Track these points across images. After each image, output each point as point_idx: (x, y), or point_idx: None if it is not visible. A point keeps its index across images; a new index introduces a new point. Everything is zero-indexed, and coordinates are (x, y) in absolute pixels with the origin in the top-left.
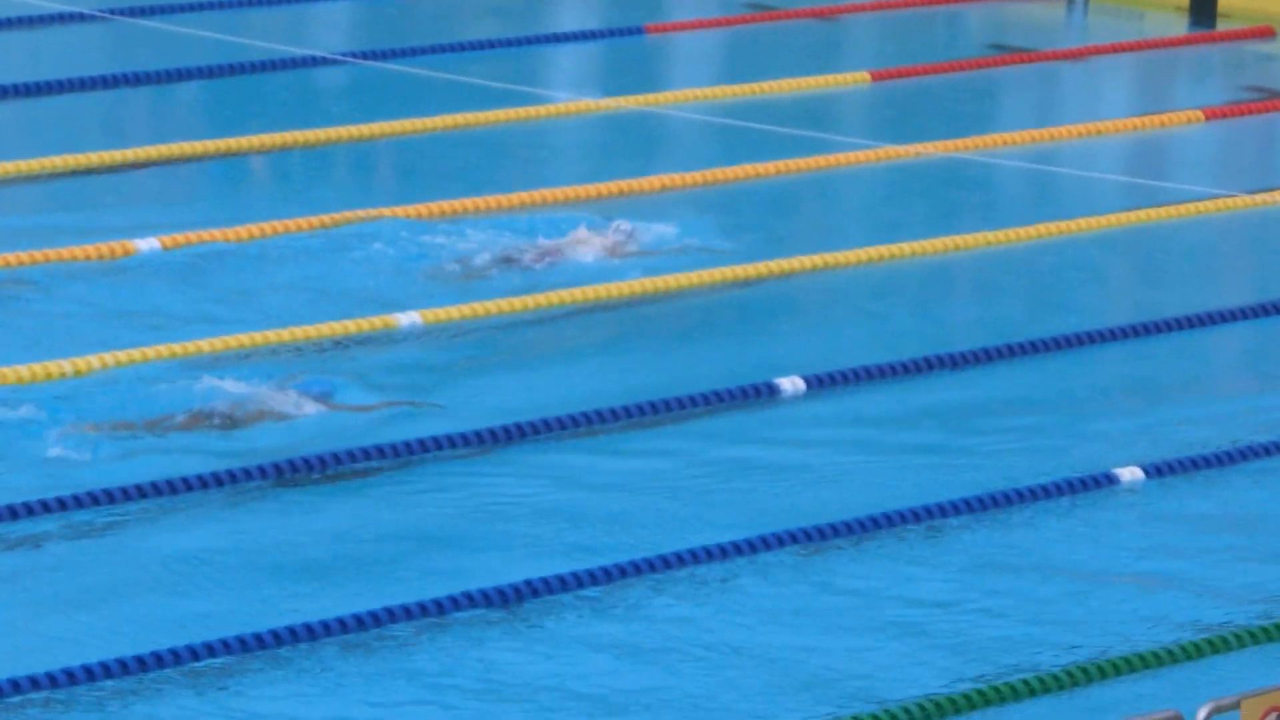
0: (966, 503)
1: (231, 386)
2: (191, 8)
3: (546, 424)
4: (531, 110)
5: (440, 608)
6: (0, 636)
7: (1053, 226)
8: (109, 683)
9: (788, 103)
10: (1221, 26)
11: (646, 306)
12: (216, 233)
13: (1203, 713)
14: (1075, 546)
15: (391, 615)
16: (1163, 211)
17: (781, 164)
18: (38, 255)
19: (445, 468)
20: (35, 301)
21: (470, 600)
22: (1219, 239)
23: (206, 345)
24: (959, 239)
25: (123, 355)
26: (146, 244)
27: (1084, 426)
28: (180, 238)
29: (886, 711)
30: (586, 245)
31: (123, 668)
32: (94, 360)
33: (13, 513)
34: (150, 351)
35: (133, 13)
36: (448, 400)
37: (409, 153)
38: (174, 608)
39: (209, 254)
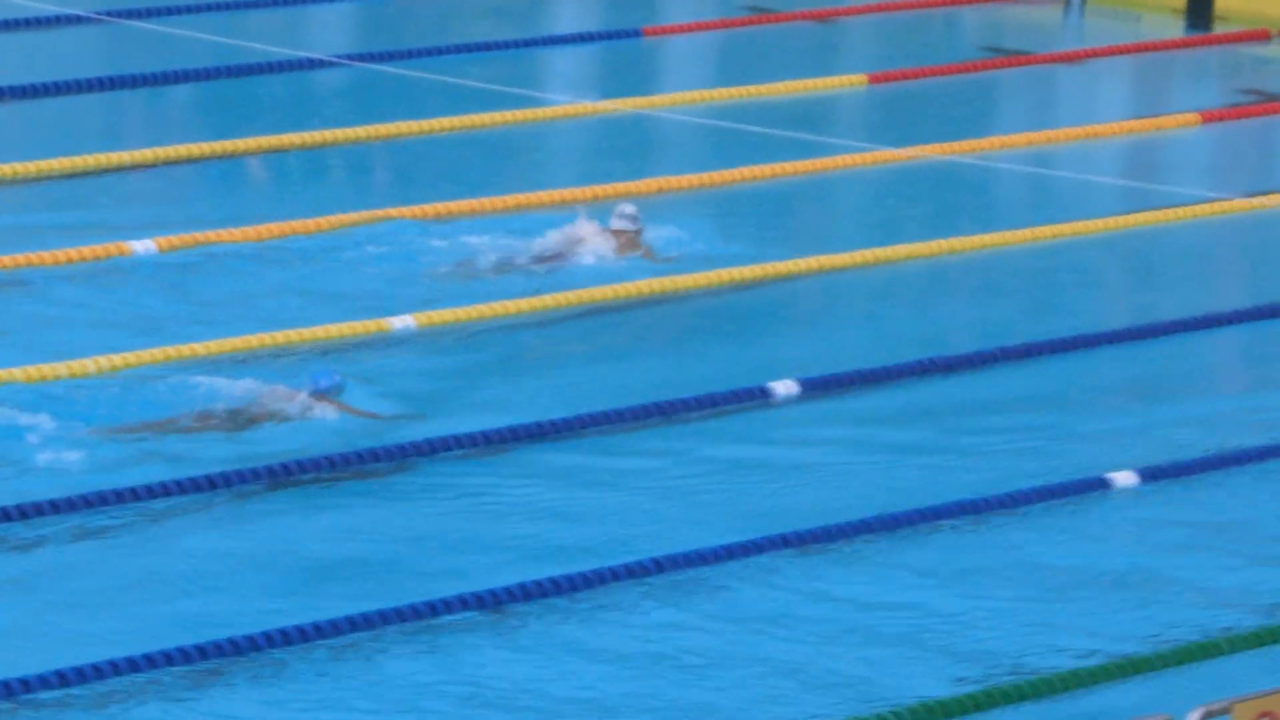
0: (961, 506)
1: (227, 389)
2: (188, 10)
3: (540, 427)
4: (529, 112)
5: (434, 610)
6: (2, 638)
7: (1049, 229)
8: (99, 684)
9: (784, 105)
10: (1218, 29)
11: (642, 309)
12: (212, 234)
13: (1195, 716)
14: (1069, 550)
15: (384, 619)
16: (1159, 214)
17: (778, 166)
18: (34, 257)
19: (438, 470)
20: (31, 303)
21: (463, 604)
22: (1215, 242)
23: (202, 348)
24: (955, 241)
25: (118, 358)
26: (142, 245)
27: (1079, 430)
28: (176, 240)
29: (878, 716)
30: (585, 243)
31: (114, 669)
32: (89, 363)
33: (6, 515)
34: (145, 355)
35: (129, 15)
36: (440, 403)
37: (406, 155)
38: (170, 610)
39: (205, 256)
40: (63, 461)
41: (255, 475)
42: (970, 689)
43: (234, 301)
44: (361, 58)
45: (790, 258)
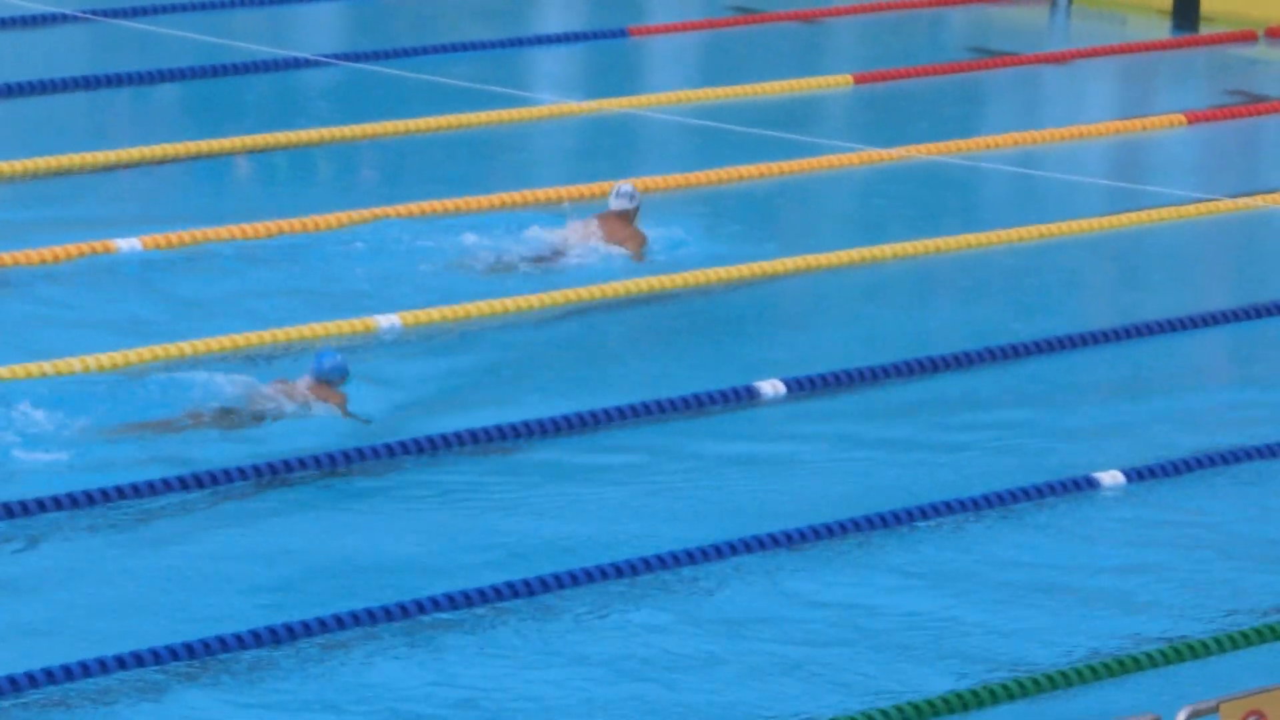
0: (948, 505)
1: (213, 388)
2: (174, 9)
3: (529, 427)
4: (515, 112)
5: (421, 609)
6: None
7: (1035, 229)
8: (87, 683)
9: (770, 105)
10: (1204, 30)
11: (628, 309)
12: (198, 233)
13: (1182, 716)
14: (1055, 550)
15: (371, 618)
16: (1145, 215)
17: (764, 166)
18: (19, 256)
19: (425, 470)
20: (14, 301)
21: (452, 603)
22: (1201, 242)
23: (189, 347)
24: (941, 241)
25: (104, 358)
26: (127, 244)
27: (1065, 430)
28: (161, 238)
29: (864, 714)
30: (573, 244)
31: (101, 667)
32: (75, 362)
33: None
34: (132, 354)
35: (115, 14)
36: (425, 403)
37: (392, 154)
38: (155, 610)
39: (190, 254)
40: (48, 461)
41: (242, 474)
42: (956, 689)
43: (219, 300)
44: (347, 57)
45: (776, 257)
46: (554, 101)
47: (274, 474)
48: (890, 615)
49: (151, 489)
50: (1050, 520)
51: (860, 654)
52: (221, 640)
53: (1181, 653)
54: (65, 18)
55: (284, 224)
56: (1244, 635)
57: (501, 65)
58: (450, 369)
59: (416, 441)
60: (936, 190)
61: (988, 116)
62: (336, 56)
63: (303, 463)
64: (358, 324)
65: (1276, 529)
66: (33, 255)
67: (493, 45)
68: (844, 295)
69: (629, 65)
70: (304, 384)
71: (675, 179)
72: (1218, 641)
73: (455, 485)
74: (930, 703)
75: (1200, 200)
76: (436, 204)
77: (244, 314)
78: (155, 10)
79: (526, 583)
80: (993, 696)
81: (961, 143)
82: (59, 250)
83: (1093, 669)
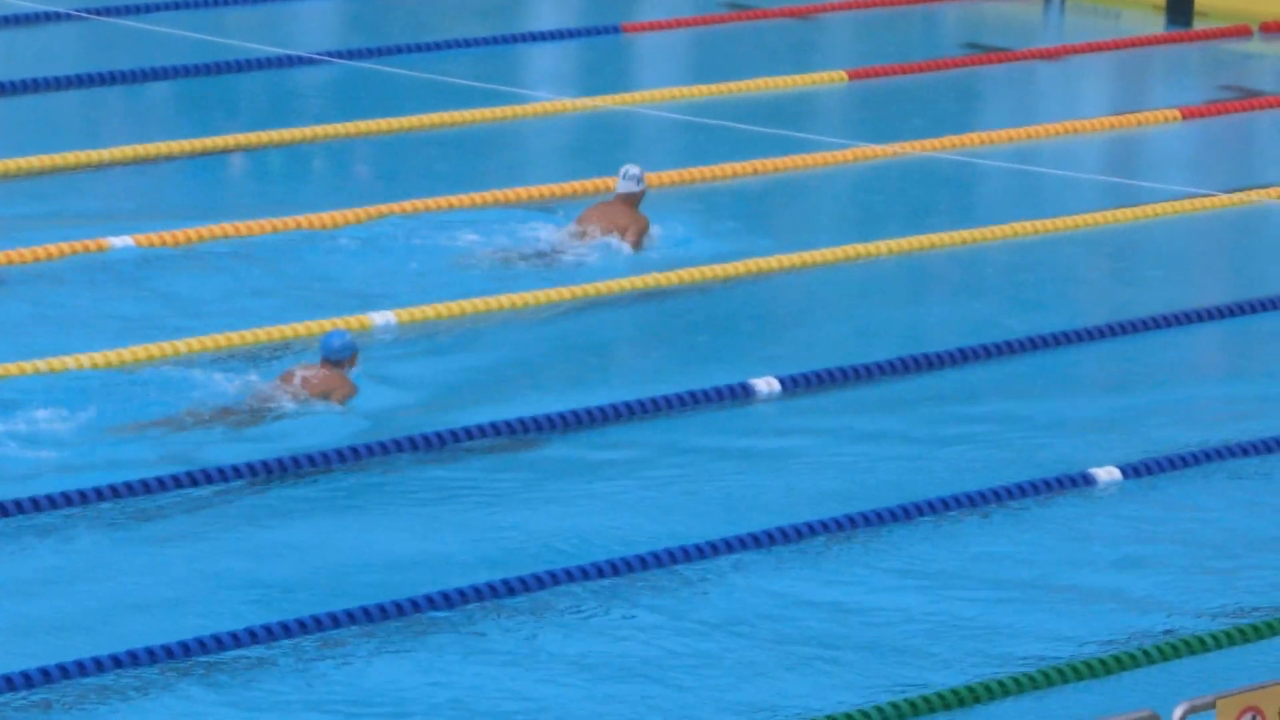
0: (943, 501)
1: (208, 385)
2: (168, 7)
3: (523, 424)
4: (509, 109)
5: (400, 609)
6: None
7: (1029, 225)
8: (71, 684)
9: (764, 102)
10: (1199, 25)
11: (621, 306)
12: (192, 231)
13: (1178, 712)
14: (1052, 546)
15: (368, 615)
16: (1140, 210)
17: (758, 163)
18: (13, 254)
19: (416, 468)
20: (8, 299)
21: (447, 601)
22: (1196, 238)
23: (183, 345)
24: (936, 237)
25: (98, 356)
26: (121, 242)
27: (1061, 426)
28: (155, 236)
29: (861, 712)
30: (566, 243)
31: (80, 669)
32: (69, 360)
33: None
34: (126, 352)
35: (109, 12)
36: (419, 400)
37: (386, 151)
38: (141, 610)
39: (184, 253)
40: (42, 459)
41: (236, 473)
42: (953, 684)
43: (213, 298)
44: (341, 54)
45: (771, 254)
46: (548, 98)
47: (268, 472)
48: (886, 612)
49: (144, 488)
50: (1046, 516)
51: (857, 650)
52: (217, 639)
53: (1178, 649)
54: (59, 16)
55: (278, 222)
56: (1241, 631)
57: (495, 62)
58: (445, 366)
59: (411, 439)
60: (931, 186)
61: (982, 112)
62: (330, 54)
63: (296, 461)
64: (353, 321)
65: (1274, 525)
66: (26, 253)
67: (486, 42)
68: (839, 292)
69: (622, 62)
70: (308, 374)
71: (669, 176)
72: (1214, 638)
73: (451, 483)
74: (926, 699)
75: (1195, 195)
76: (431, 201)
77: (238, 312)
78: (149, 8)
79: (522, 580)
80: (989, 693)
81: (956, 139)
82: (53, 248)
83: (1089, 665)
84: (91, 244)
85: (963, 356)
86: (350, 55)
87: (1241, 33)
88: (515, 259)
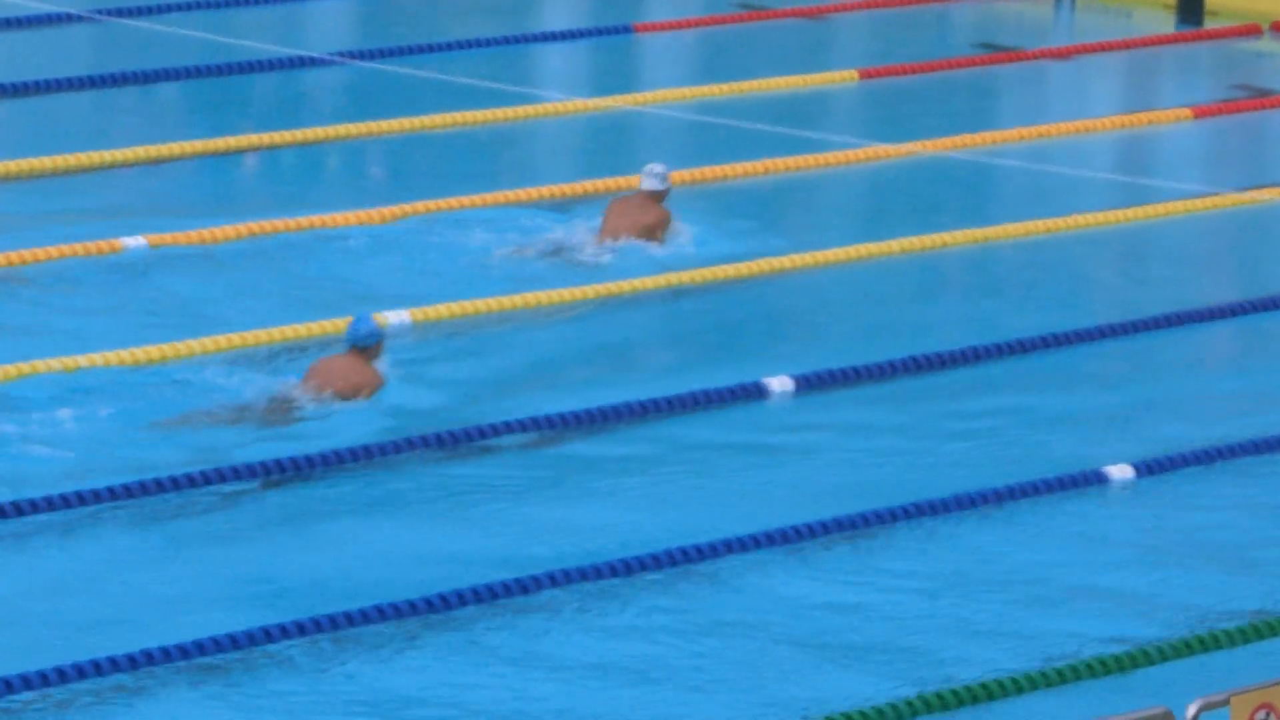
0: (957, 500)
1: (221, 386)
2: (180, 8)
3: (535, 423)
4: (520, 109)
5: (431, 606)
6: None
7: (1041, 224)
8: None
9: (776, 101)
10: (1209, 24)
11: (634, 305)
12: (205, 232)
13: (1192, 709)
14: (1065, 543)
15: (381, 614)
16: (1151, 209)
17: (770, 163)
18: (25, 254)
19: (426, 467)
20: (21, 300)
21: (430, 606)
22: (1208, 237)
23: (197, 345)
24: (947, 236)
25: (111, 355)
26: (134, 242)
27: (1075, 424)
28: (168, 237)
29: (875, 710)
30: (579, 242)
31: (78, 672)
32: (81, 359)
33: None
34: (140, 352)
35: (121, 13)
36: (430, 399)
37: (398, 152)
38: (128, 614)
39: (196, 253)
40: (56, 459)
41: (236, 474)
42: (967, 682)
43: (225, 299)
44: (352, 55)
45: (783, 254)
46: (560, 98)
47: (268, 473)
48: (900, 609)
49: (158, 486)
50: (1059, 513)
51: (873, 647)
52: (215, 641)
53: (1192, 646)
54: (71, 17)
55: (291, 222)
56: (1255, 628)
57: (507, 62)
58: (459, 366)
59: (424, 438)
60: (942, 185)
61: (993, 112)
62: (342, 54)
63: (310, 461)
64: None
65: None
66: (39, 253)
67: (498, 42)
68: (851, 291)
69: (634, 62)
70: (333, 367)
71: (681, 175)
72: (1228, 635)
73: (462, 481)
74: (940, 695)
75: (1206, 194)
76: (444, 201)
77: (252, 312)
78: (161, 9)
79: (535, 579)
80: (1002, 690)
81: (967, 138)
82: (66, 249)
83: (1103, 662)
84: (105, 245)
85: (975, 355)
86: (362, 56)
87: (1252, 32)
88: (532, 258)
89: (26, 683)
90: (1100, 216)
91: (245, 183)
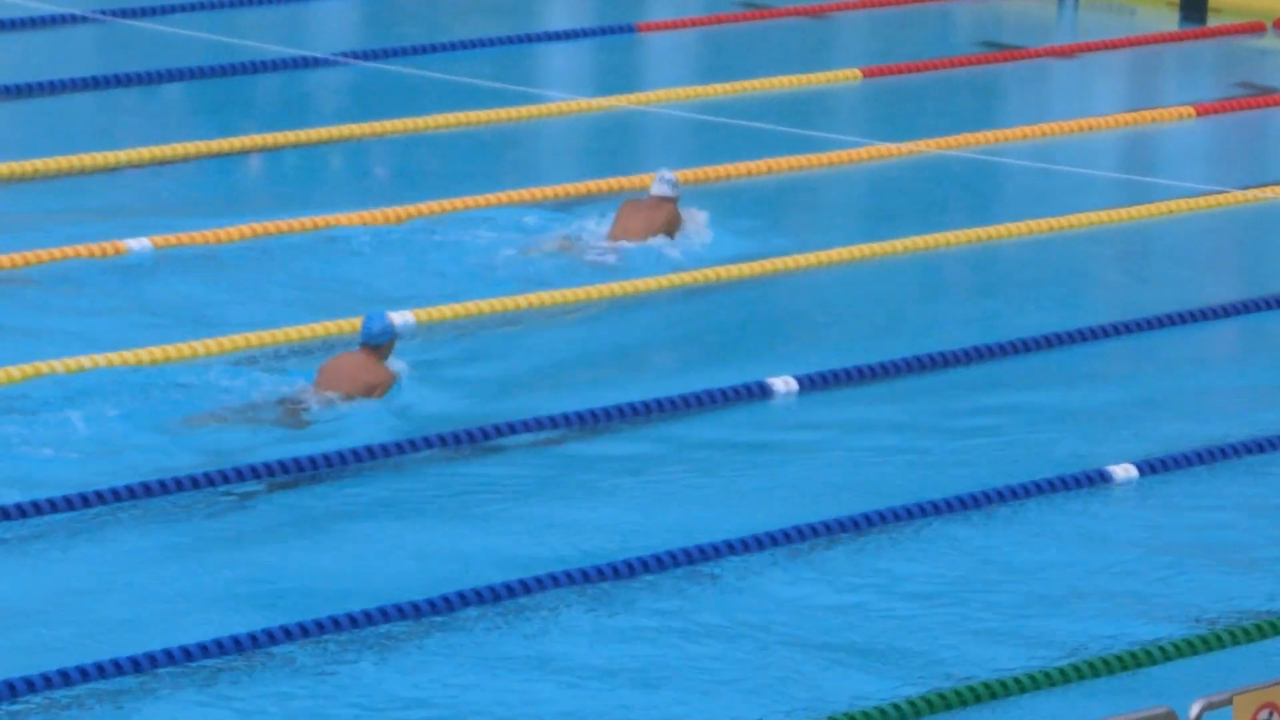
0: (960, 500)
1: (227, 389)
2: (184, 8)
3: (539, 423)
4: (524, 109)
5: (435, 608)
6: None
7: (1045, 223)
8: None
9: (779, 100)
10: (1212, 22)
11: (637, 306)
12: (209, 233)
13: (1196, 709)
14: (1068, 542)
15: (386, 615)
16: (1154, 208)
17: (773, 162)
18: (29, 256)
19: (429, 468)
20: (26, 301)
21: (434, 608)
22: (1211, 235)
23: (201, 347)
24: (951, 235)
25: (115, 356)
26: (138, 244)
27: (1078, 423)
28: (172, 238)
29: (879, 709)
30: (583, 243)
31: (82, 675)
32: (84, 360)
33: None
34: (144, 353)
35: (125, 14)
36: (434, 399)
37: (401, 152)
38: (124, 618)
39: (201, 254)
40: (60, 460)
41: (239, 475)
42: (969, 682)
43: (230, 300)
44: (356, 55)
45: (786, 253)
46: (564, 98)
47: (272, 475)
48: (905, 608)
49: (163, 488)
50: (1063, 512)
51: (879, 648)
52: (220, 643)
53: (1195, 645)
54: (75, 18)
55: (295, 223)
56: (1259, 628)
57: (511, 62)
58: (462, 367)
59: (427, 439)
60: (946, 184)
61: (997, 110)
62: (347, 55)
63: (314, 461)
64: None
65: None
66: (44, 255)
67: (502, 42)
68: (854, 290)
69: (638, 61)
70: (344, 366)
71: (684, 175)
72: (1231, 634)
73: (466, 482)
74: (943, 695)
75: (1210, 192)
76: (448, 202)
77: (256, 313)
78: (165, 10)
79: (539, 579)
80: (1005, 689)
81: (970, 136)
82: (69, 250)
83: (1106, 661)
84: (109, 246)
85: (979, 354)
86: (367, 56)
87: (1255, 29)
88: (541, 258)
89: (30, 686)
90: (1103, 215)
91: (250, 183)
